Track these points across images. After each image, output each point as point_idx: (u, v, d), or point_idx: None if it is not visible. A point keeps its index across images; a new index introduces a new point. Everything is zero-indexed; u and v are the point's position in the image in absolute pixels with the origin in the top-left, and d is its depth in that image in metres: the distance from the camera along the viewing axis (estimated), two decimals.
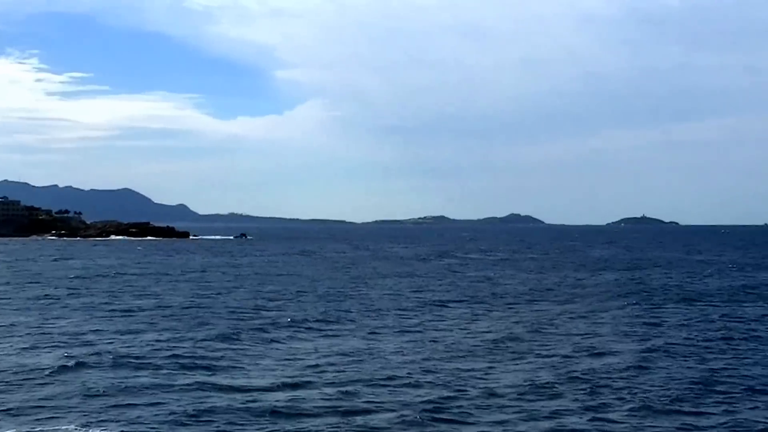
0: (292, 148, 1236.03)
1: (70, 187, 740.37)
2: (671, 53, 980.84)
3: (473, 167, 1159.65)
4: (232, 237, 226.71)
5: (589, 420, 20.36)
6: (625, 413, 21.09)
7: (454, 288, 61.06)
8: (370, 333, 35.88)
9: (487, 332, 36.42)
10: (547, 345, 32.66)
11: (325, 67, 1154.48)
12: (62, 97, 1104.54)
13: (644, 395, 22.98)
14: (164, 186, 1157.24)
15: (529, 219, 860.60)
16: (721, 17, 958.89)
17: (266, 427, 19.62)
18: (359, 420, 20.08)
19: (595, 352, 30.82)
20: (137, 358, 28.41)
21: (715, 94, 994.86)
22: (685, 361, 28.39)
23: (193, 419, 20.03)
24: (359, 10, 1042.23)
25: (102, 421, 19.72)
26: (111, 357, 28.03)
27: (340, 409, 21.20)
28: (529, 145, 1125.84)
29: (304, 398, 22.43)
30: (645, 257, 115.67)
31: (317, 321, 39.29)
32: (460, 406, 21.68)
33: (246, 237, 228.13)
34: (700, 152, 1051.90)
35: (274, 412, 20.93)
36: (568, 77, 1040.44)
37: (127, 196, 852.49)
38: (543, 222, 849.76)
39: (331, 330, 36.71)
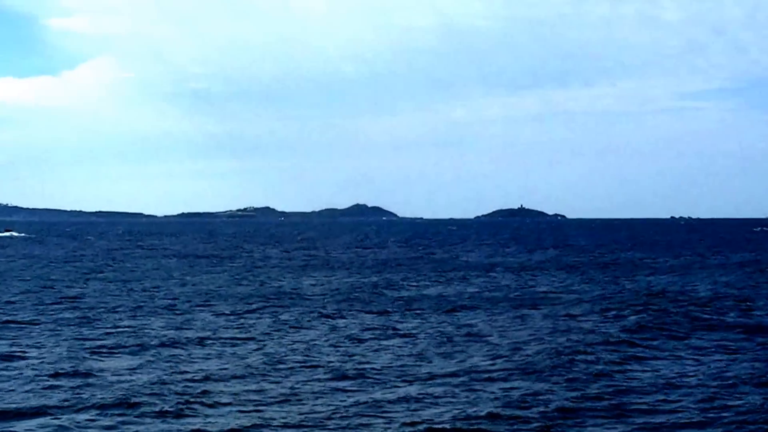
0: (73, 118, 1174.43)
1: None
2: (553, 2, 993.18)
3: (305, 145, 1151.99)
4: None
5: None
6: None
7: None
8: None
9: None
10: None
11: (116, 16, 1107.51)
12: None
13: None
14: None
15: (377, 211, 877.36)
16: None
17: None
18: None
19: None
20: None
21: (608, 52, 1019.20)
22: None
23: None
24: None
25: None
26: None
27: None
28: (378, 116, 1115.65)
29: None
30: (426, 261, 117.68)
31: None
32: None
33: (12, 234, 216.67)
34: (590, 126, 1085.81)
35: None
36: (424, 31, 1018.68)
37: None
38: (396, 215, 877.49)
39: None
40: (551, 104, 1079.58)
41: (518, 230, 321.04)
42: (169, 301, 58.49)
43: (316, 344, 38.93)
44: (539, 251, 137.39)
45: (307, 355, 35.87)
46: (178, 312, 51.86)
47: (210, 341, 39.69)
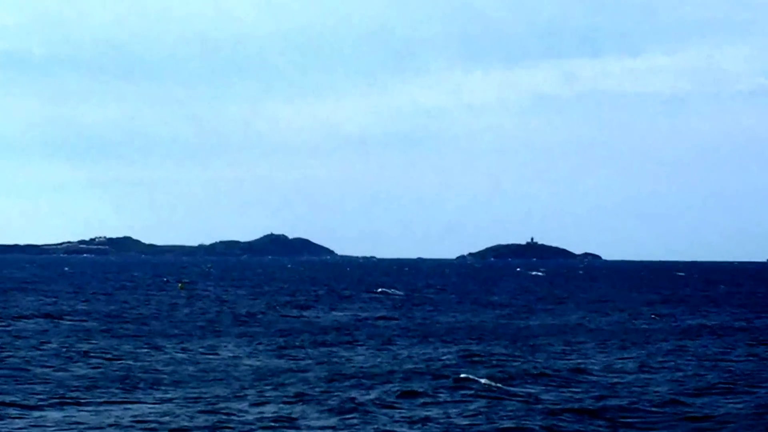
0: None
1: None
2: None
3: (192, 145, 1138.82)
4: None
5: None
6: None
7: None
8: None
9: None
10: None
11: None
12: None
13: None
14: None
15: (303, 246, 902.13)
16: None
17: None
18: None
19: None
20: None
21: (660, 4, 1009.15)
22: None
23: None
24: None
25: None
26: None
27: None
28: (306, 100, 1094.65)
29: None
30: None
31: None
32: None
33: None
34: (635, 116, 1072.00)
35: None
36: None
37: None
38: (332, 252, 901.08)
39: None
40: (574, 82, 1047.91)
41: (492, 277, 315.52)
42: None
43: None
44: (457, 312, 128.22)
45: None
46: None
47: None
